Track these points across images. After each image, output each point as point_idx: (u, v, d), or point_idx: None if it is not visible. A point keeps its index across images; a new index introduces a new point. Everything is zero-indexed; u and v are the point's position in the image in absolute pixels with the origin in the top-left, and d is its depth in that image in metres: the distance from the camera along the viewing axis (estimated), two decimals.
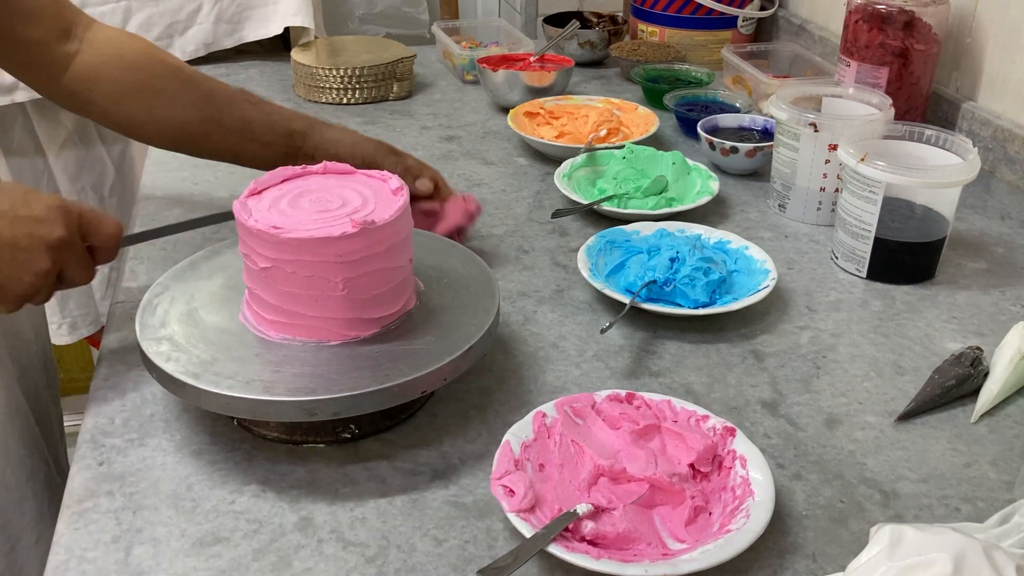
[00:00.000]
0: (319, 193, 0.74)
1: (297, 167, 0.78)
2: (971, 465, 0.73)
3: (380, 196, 0.74)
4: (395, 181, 0.75)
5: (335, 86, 1.50)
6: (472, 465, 0.72)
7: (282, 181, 0.76)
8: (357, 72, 1.49)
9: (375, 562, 0.63)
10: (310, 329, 0.72)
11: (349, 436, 0.74)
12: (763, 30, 1.77)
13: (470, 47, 1.67)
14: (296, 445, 0.73)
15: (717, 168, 1.23)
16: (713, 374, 0.83)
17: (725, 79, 1.59)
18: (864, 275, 0.99)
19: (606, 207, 1.09)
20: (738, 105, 1.40)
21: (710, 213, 1.13)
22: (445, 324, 0.75)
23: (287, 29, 1.70)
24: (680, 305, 0.89)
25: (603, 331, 0.86)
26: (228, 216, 0.75)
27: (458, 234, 0.99)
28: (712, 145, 1.23)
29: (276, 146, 0.95)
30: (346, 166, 0.78)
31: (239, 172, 1.02)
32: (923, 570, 0.51)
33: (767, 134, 1.26)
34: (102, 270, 1.74)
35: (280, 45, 1.79)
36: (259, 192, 0.74)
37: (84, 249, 0.73)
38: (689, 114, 1.36)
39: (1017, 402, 0.80)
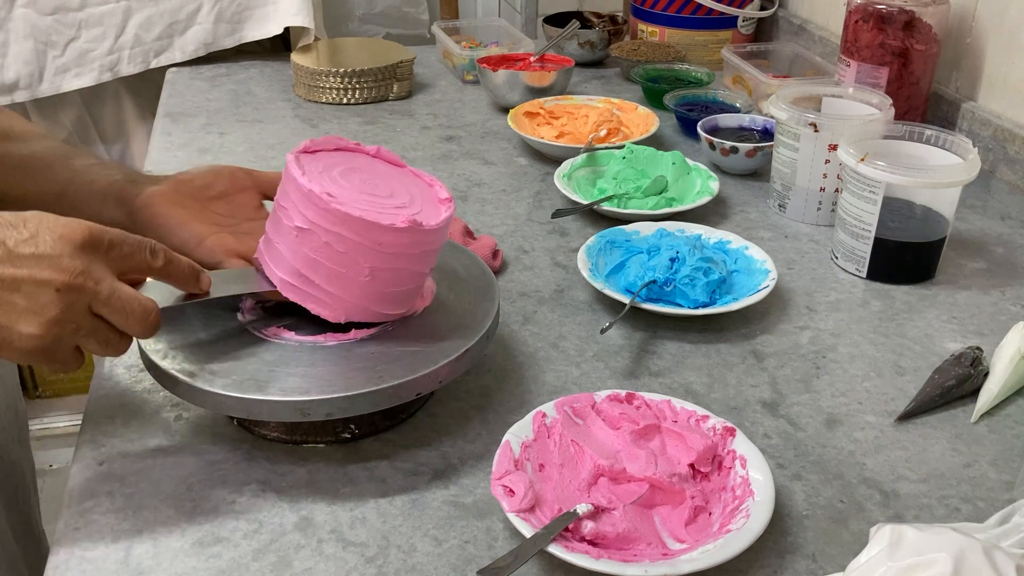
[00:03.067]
0: (370, 176, 0.73)
1: (351, 141, 0.74)
2: (971, 465, 0.73)
3: (426, 200, 0.73)
4: (443, 191, 0.75)
5: (335, 86, 1.50)
6: (472, 465, 0.72)
7: (335, 149, 0.74)
8: (357, 71, 1.49)
9: (375, 562, 0.63)
10: (317, 301, 0.71)
11: (349, 436, 0.74)
12: (763, 30, 1.77)
13: (470, 47, 1.67)
14: (296, 445, 0.73)
15: (717, 168, 1.23)
16: (713, 374, 0.83)
17: (725, 79, 1.59)
18: (864, 275, 0.99)
19: (606, 207, 1.09)
20: (738, 105, 1.40)
21: (710, 213, 1.13)
22: (444, 325, 0.74)
23: (287, 29, 1.70)
24: (680, 305, 0.89)
25: (603, 331, 0.86)
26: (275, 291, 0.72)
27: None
28: (712, 145, 1.23)
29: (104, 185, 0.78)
30: (398, 158, 0.77)
31: None
32: (923, 570, 0.51)
33: (767, 134, 1.26)
34: None
35: (280, 45, 1.79)
36: (313, 152, 0.72)
37: (117, 294, 0.60)
38: (689, 114, 1.36)
39: (1017, 402, 0.80)
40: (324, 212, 0.67)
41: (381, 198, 0.71)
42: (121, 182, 0.77)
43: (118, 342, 0.63)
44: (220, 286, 0.70)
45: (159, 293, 0.67)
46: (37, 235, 0.58)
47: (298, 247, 0.69)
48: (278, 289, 0.71)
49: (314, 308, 0.71)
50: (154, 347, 0.70)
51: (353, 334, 0.73)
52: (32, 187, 0.78)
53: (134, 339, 0.64)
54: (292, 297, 0.71)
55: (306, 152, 0.72)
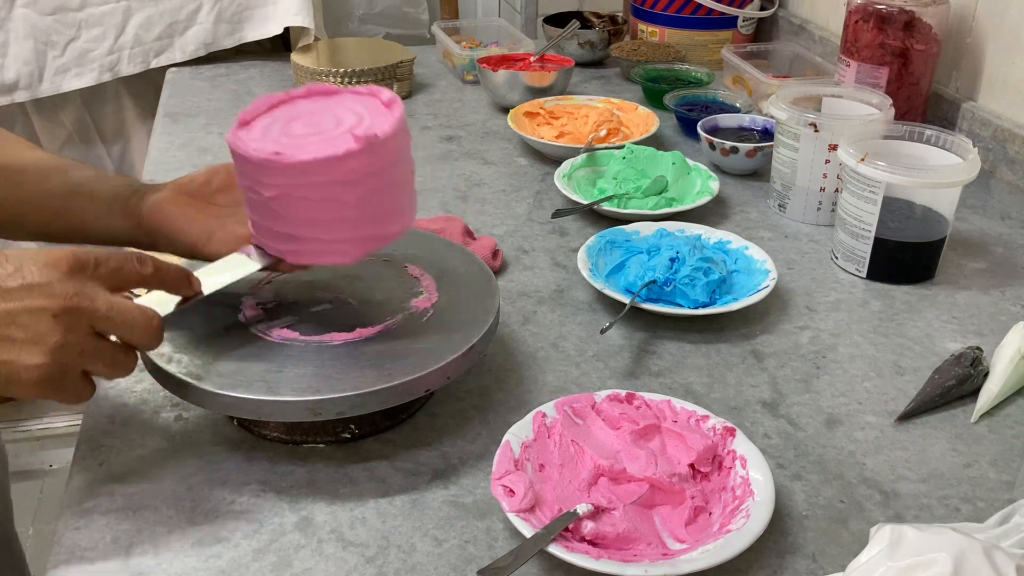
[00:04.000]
0: (310, 116, 0.70)
1: (279, 92, 0.72)
2: (971, 465, 0.73)
3: (373, 111, 0.70)
4: (386, 94, 0.71)
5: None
6: (472, 465, 0.72)
7: (268, 109, 0.72)
8: (357, 71, 1.49)
9: (375, 562, 0.63)
10: (324, 253, 0.69)
11: (349, 436, 0.74)
12: (763, 30, 1.77)
13: (470, 47, 1.67)
14: (296, 445, 0.73)
15: (717, 168, 1.23)
16: (713, 374, 0.83)
17: (725, 79, 1.59)
18: (864, 275, 0.99)
19: (606, 207, 1.09)
20: (738, 105, 1.40)
21: (710, 213, 1.13)
22: (445, 324, 0.75)
23: (287, 29, 1.70)
24: (680, 305, 0.89)
25: (603, 331, 0.86)
26: (266, 267, 0.72)
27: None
28: (712, 145, 1.23)
29: (109, 197, 0.78)
30: (330, 86, 0.73)
31: None
32: (923, 570, 0.51)
33: (767, 134, 1.26)
34: None
35: (280, 45, 1.79)
36: (248, 123, 0.70)
37: (116, 307, 0.59)
38: (689, 114, 1.36)
39: (1017, 402, 0.80)
40: (283, 171, 0.65)
41: (330, 131, 0.67)
42: (124, 193, 0.77)
43: (124, 360, 0.61)
44: (213, 278, 0.69)
45: (154, 304, 0.65)
46: (21, 267, 0.57)
47: (280, 214, 0.67)
48: (284, 259, 0.70)
49: (327, 260, 0.70)
50: (158, 351, 0.70)
51: (357, 333, 0.73)
52: (29, 204, 0.77)
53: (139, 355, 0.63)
54: (301, 260, 0.70)
55: (242, 125, 0.70)
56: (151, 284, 0.64)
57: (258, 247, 0.71)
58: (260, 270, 0.71)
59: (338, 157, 0.65)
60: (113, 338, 0.60)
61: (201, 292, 0.67)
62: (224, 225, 0.75)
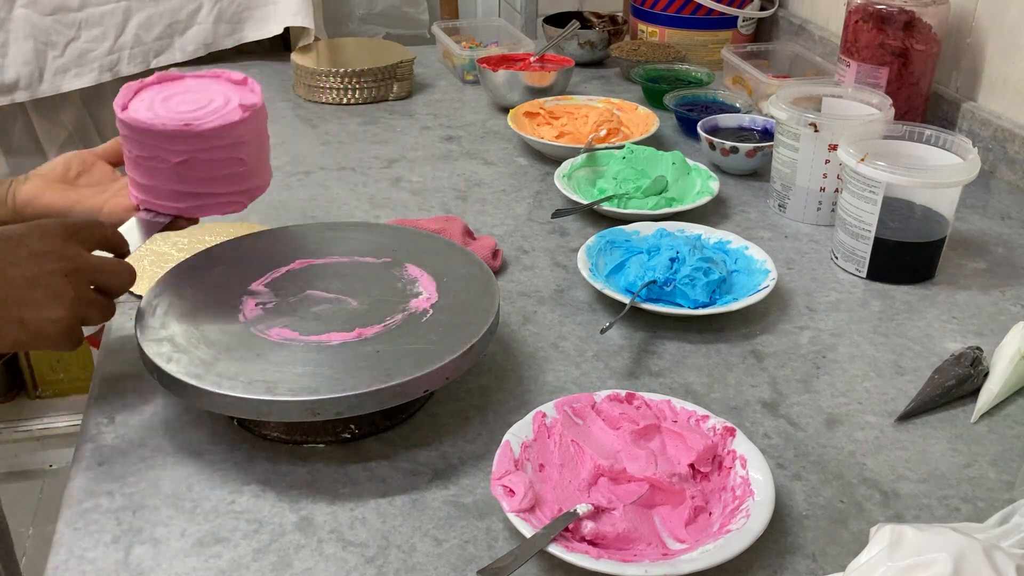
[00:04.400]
0: (183, 95, 0.81)
1: (134, 82, 0.82)
2: (971, 465, 0.73)
3: (230, 88, 0.83)
4: (235, 75, 0.84)
5: (335, 86, 1.50)
6: (472, 465, 0.72)
7: (135, 93, 0.81)
8: (357, 71, 1.49)
9: (375, 562, 0.63)
10: (224, 205, 0.81)
11: (349, 436, 0.74)
12: (763, 30, 1.77)
13: (470, 47, 1.67)
14: (296, 445, 0.73)
15: (717, 168, 1.23)
16: (713, 374, 0.83)
17: (725, 79, 1.59)
18: (864, 275, 0.99)
19: (606, 207, 1.09)
20: (738, 105, 1.40)
21: (710, 213, 1.13)
22: (445, 324, 0.75)
23: (287, 29, 1.70)
24: (680, 305, 0.89)
25: (603, 331, 0.86)
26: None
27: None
28: (712, 145, 1.23)
29: None
30: (175, 72, 0.85)
31: None
32: (923, 570, 0.51)
33: (767, 134, 1.26)
34: None
35: (280, 45, 1.79)
36: (126, 106, 0.80)
37: (104, 262, 0.71)
38: (689, 114, 1.36)
39: (1017, 402, 0.80)
40: (193, 137, 0.77)
41: (210, 104, 0.79)
42: None
43: (109, 306, 0.72)
44: (132, 240, 0.77)
45: None
46: (24, 240, 0.67)
47: (185, 176, 0.78)
48: (183, 216, 0.81)
49: (224, 211, 0.81)
50: (157, 350, 0.70)
51: (357, 333, 0.73)
52: None
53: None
54: (203, 214, 0.81)
55: (124, 108, 0.79)
56: (107, 246, 0.74)
57: (148, 210, 0.81)
58: (162, 229, 0.81)
59: (234, 123, 0.78)
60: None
61: (129, 250, 0.77)
62: (105, 201, 0.83)
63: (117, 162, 0.87)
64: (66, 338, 0.68)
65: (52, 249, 0.67)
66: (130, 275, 0.73)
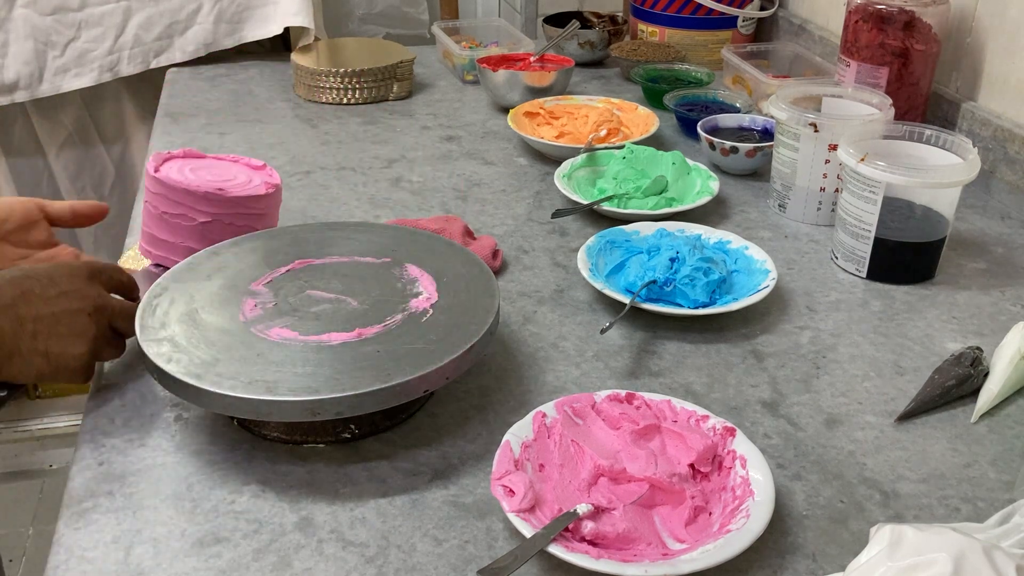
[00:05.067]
0: (209, 169, 0.90)
1: (162, 152, 0.91)
2: (971, 465, 0.73)
3: (249, 170, 0.93)
4: (254, 161, 0.95)
5: (335, 86, 1.50)
6: (472, 465, 0.72)
7: (164, 162, 0.89)
8: (357, 71, 1.49)
9: (375, 562, 0.63)
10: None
11: (349, 436, 0.74)
12: (763, 30, 1.77)
13: (470, 47, 1.67)
14: (296, 445, 0.73)
15: (717, 168, 1.23)
16: (713, 374, 0.83)
17: (725, 79, 1.59)
18: (864, 275, 0.99)
19: (606, 207, 1.09)
20: (738, 105, 1.40)
21: (710, 213, 1.13)
22: (445, 324, 0.75)
23: (287, 29, 1.70)
24: (680, 305, 0.89)
25: (603, 331, 0.86)
26: None
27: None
28: (712, 145, 1.23)
29: None
30: (199, 152, 0.93)
31: None
32: (923, 570, 0.51)
33: (767, 134, 1.26)
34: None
35: (280, 45, 1.79)
36: (158, 169, 0.88)
37: (124, 305, 0.77)
38: (689, 114, 1.36)
39: (1017, 402, 0.80)
40: (224, 202, 0.86)
41: (234, 179, 0.90)
42: None
43: (122, 346, 0.78)
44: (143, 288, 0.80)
45: None
46: (53, 278, 0.72)
47: (206, 236, 0.86)
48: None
49: None
50: (157, 350, 0.70)
51: (357, 333, 0.73)
52: None
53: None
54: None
55: (156, 171, 0.87)
56: (125, 291, 0.80)
57: (158, 265, 0.88)
58: None
59: (259, 196, 0.89)
60: None
61: (139, 296, 0.80)
62: (53, 256, 0.88)
63: (63, 224, 0.92)
64: (83, 373, 0.74)
65: (77, 288, 0.73)
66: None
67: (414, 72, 1.57)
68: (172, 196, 0.86)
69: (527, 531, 0.61)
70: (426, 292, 0.79)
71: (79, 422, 0.77)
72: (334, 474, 0.71)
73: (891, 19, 1.22)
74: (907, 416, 0.78)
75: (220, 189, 0.86)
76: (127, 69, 1.66)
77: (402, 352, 0.71)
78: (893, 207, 0.95)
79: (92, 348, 0.73)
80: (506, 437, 0.69)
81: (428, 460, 0.72)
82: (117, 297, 0.78)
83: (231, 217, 0.87)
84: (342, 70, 1.49)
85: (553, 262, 1.02)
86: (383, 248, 0.85)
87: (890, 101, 1.08)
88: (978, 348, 0.83)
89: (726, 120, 1.30)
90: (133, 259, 0.97)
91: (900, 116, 1.11)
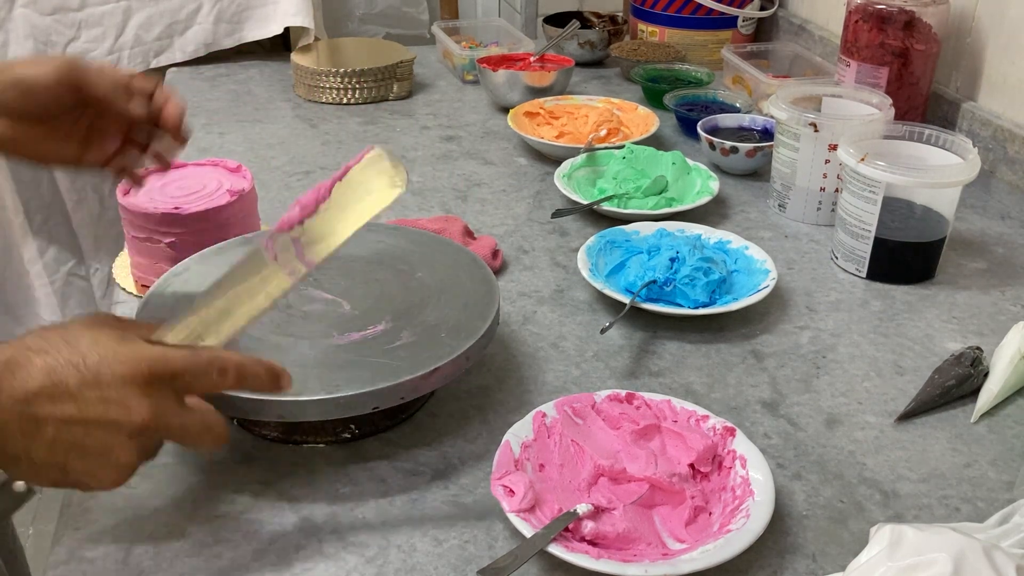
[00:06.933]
0: (180, 181, 0.91)
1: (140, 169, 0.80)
2: (971, 465, 0.73)
3: (222, 174, 0.93)
4: (230, 163, 0.96)
5: (335, 86, 1.50)
6: (472, 465, 0.72)
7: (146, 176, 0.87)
8: (357, 71, 1.49)
9: (375, 562, 0.63)
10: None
11: (349, 436, 0.74)
12: (763, 30, 1.77)
13: (470, 47, 1.67)
14: (296, 445, 0.73)
15: (717, 168, 1.23)
16: (713, 374, 0.83)
17: (725, 79, 1.59)
18: (864, 275, 0.99)
19: (606, 207, 1.09)
20: (738, 105, 1.40)
21: (710, 213, 1.13)
22: (445, 324, 0.74)
23: (287, 29, 1.70)
24: (680, 305, 0.89)
25: (603, 331, 0.86)
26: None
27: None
28: (712, 145, 1.23)
29: None
30: (179, 161, 0.90)
31: None
32: (923, 570, 0.51)
33: (767, 134, 1.26)
34: (102, 268, 1.74)
35: (280, 45, 1.79)
36: (127, 191, 0.88)
37: (186, 428, 0.57)
38: (689, 114, 1.36)
39: (1017, 402, 0.80)
40: (181, 220, 0.86)
41: (202, 190, 0.90)
42: None
43: (157, 452, 0.60)
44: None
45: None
46: (99, 376, 0.54)
47: (173, 256, 0.86)
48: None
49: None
50: None
51: (356, 333, 0.73)
52: None
53: None
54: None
55: (125, 193, 0.88)
56: (231, 390, 0.60)
57: (147, 287, 0.85)
58: None
59: (219, 207, 0.88)
60: None
61: (290, 388, 0.62)
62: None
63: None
64: (104, 490, 0.58)
65: (124, 398, 0.54)
66: (212, 444, 0.59)
67: (414, 72, 1.57)
68: (135, 220, 0.87)
69: (527, 531, 0.61)
70: (426, 292, 0.79)
71: None
72: (334, 474, 0.71)
73: (891, 19, 1.22)
74: (907, 416, 0.78)
75: (177, 208, 0.86)
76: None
77: (401, 352, 0.71)
78: (893, 207, 0.95)
79: (122, 476, 0.56)
80: (506, 437, 0.69)
81: (428, 460, 0.72)
82: (195, 407, 0.58)
83: (195, 233, 0.86)
84: (342, 70, 1.49)
85: (553, 262, 1.02)
86: (383, 248, 0.85)
87: (890, 101, 1.08)
88: (978, 348, 0.83)
89: (726, 120, 1.30)
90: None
91: (900, 116, 1.11)
